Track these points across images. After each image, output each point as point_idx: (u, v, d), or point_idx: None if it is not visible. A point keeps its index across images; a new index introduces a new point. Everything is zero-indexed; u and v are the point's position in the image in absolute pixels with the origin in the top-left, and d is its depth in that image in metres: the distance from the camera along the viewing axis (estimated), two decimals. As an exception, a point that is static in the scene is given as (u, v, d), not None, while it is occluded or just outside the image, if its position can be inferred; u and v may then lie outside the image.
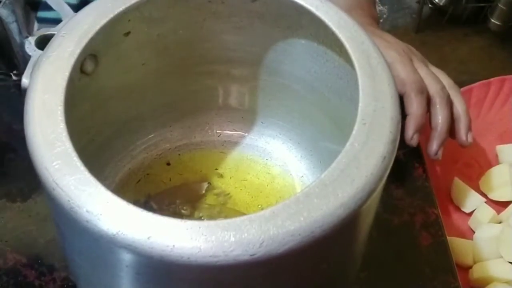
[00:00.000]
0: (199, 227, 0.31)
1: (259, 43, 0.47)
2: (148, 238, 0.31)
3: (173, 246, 0.31)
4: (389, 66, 0.52)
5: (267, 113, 0.53)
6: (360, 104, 0.36)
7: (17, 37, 0.42)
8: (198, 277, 0.33)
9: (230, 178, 0.53)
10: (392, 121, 0.36)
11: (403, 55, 0.59)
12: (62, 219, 0.36)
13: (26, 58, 0.42)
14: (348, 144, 0.35)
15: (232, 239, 0.31)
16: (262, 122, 0.54)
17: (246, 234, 0.31)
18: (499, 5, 1.58)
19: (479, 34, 1.70)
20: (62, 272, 0.52)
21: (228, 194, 0.52)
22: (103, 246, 0.33)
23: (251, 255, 0.31)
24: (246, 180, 0.53)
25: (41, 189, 0.56)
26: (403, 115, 0.56)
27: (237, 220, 0.32)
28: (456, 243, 0.64)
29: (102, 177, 0.50)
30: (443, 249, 0.56)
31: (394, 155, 0.36)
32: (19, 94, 0.62)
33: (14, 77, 0.40)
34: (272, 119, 0.53)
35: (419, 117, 0.56)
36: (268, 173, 0.53)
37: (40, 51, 0.41)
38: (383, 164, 0.34)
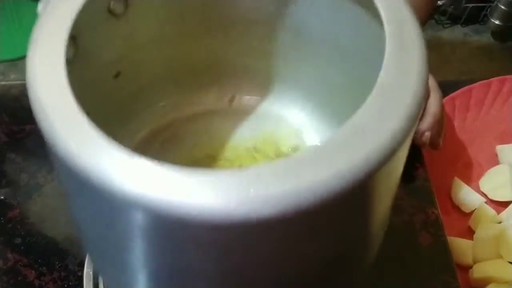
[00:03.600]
0: (176, 174, 0.29)
1: (299, 8, 0.44)
2: (119, 179, 0.29)
3: (145, 190, 0.28)
4: None
5: (299, 81, 0.50)
6: (381, 73, 0.33)
7: None
8: (171, 230, 0.31)
9: (248, 147, 0.51)
10: (414, 97, 0.32)
11: None
12: (65, 176, 0.34)
13: None
14: (357, 113, 0.31)
15: (210, 193, 0.28)
16: (295, 92, 0.51)
17: (224, 191, 0.28)
18: (499, 5, 1.59)
19: (479, 34, 1.70)
20: (62, 272, 0.52)
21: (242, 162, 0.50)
22: (85, 187, 0.31)
23: (226, 214, 0.28)
24: (268, 152, 0.51)
25: (41, 189, 0.56)
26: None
27: (218, 173, 0.29)
28: (456, 243, 0.65)
29: (128, 128, 0.48)
30: (443, 249, 0.56)
31: (411, 135, 0.32)
32: (19, 95, 0.62)
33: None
34: (304, 91, 0.50)
35: None
36: (289, 145, 0.51)
37: None
38: (393, 141, 0.30)
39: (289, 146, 0.52)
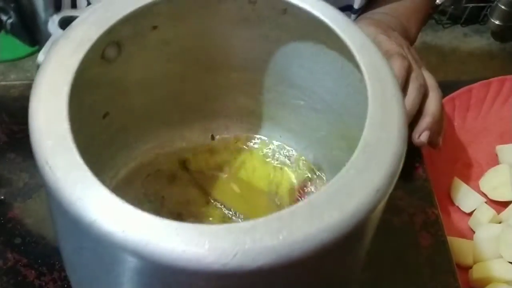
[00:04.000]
0: (176, 228, 0.31)
1: (285, 56, 0.47)
2: (122, 231, 0.31)
3: (146, 243, 0.30)
4: (374, 41, 0.53)
5: (285, 126, 0.53)
6: (365, 131, 0.36)
7: (42, 14, 0.42)
8: (170, 278, 0.33)
9: (238, 184, 0.53)
10: (395, 155, 0.35)
11: (393, 39, 0.60)
12: (58, 216, 0.36)
13: (48, 36, 0.42)
14: (344, 169, 0.34)
15: (207, 245, 0.30)
16: (280, 136, 0.54)
17: (221, 243, 0.30)
18: (499, 5, 1.59)
19: (479, 34, 1.70)
20: (62, 272, 0.52)
21: (233, 205, 0.52)
22: (82, 233, 0.33)
23: (223, 265, 0.30)
24: (254, 189, 0.53)
25: (41, 189, 0.56)
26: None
27: (215, 227, 0.31)
28: (456, 243, 0.65)
29: (112, 164, 0.50)
30: (443, 249, 0.56)
31: (391, 189, 0.35)
32: (19, 95, 0.62)
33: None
34: (289, 134, 0.53)
35: (398, 77, 0.56)
36: (275, 183, 0.53)
37: (61, 31, 0.41)
38: (376, 196, 0.33)
39: (268, 183, 0.53)
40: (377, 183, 0.34)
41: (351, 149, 0.44)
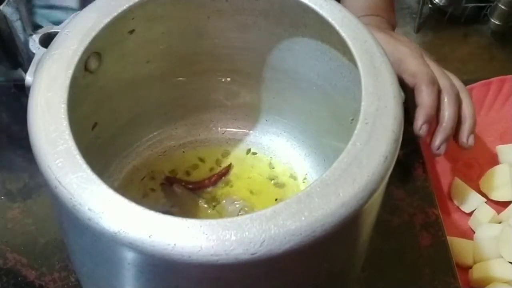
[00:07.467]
0: (200, 226, 0.31)
1: (263, 41, 0.47)
2: (150, 236, 0.31)
3: (174, 244, 0.31)
4: (400, 60, 0.52)
5: (271, 110, 0.53)
6: (362, 103, 0.36)
7: (21, 35, 0.43)
8: (200, 275, 0.33)
9: (234, 175, 0.53)
10: (395, 121, 0.36)
11: (414, 50, 0.59)
12: (64, 217, 0.36)
13: (30, 56, 0.42)
14: (350, 143, 0.35)
15: (233, 238, 0.31)
16: (266, 120, 0.54)
17: (247, 233, 0.31)
18: (499, 5, 1.59)
19: (479, 34, 1.70)
20: (62, 272, 0.52)
21: (232, 193, 0.52)
22: (105, 244, 0.33)
23: (252, 254, 0.31)
24: (250, 178, 0.53)
25: (41, 189, 0.56)
26: (414, 106, 0.56)
27: (238, 219, 0.32)
28: (456, 243, 0.64)
29: (107, 174, 0.51)
30: (443, 249, 0.56)
31: (396, 155, 0.36)
32: (19, 95, 0.62)
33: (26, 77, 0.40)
34: (276, 117, 0.53)
35: (429, 108, 0.56)
36: (272, 170, 0.53)
37: (44, 49, 0.41)
38: (385, 164, 0.34)
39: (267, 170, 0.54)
40: (383, 152, 0.35)
41: (340, 124, 0.45)
